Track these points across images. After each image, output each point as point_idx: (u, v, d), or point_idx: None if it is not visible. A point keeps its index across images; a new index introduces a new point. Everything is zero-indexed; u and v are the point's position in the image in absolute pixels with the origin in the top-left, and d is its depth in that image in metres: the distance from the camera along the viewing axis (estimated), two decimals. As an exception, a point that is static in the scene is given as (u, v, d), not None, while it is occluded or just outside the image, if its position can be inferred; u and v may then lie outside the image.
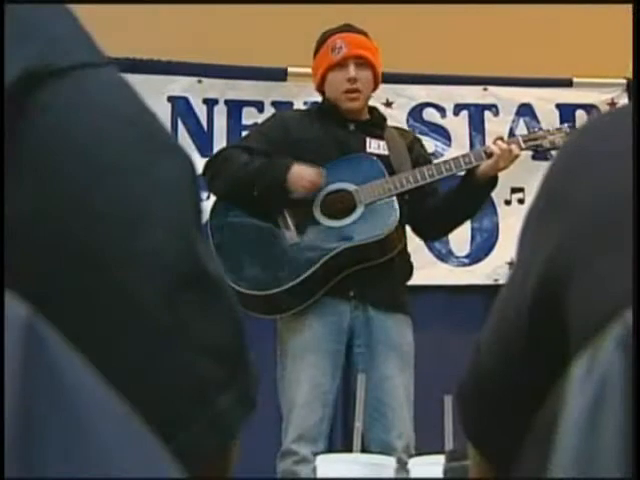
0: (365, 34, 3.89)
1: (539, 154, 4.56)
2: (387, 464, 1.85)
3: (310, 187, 3.68)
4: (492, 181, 3.79)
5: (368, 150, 3.83)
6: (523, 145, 3.83)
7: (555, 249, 0.96)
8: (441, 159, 4.33)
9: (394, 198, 3.72)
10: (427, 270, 4.97)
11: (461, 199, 3.83)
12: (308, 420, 3.64)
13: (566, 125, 4.16)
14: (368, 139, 3.86)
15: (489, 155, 3.72)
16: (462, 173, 3.81)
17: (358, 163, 3.81)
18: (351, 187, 3.75)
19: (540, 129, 4.16)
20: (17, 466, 0.48)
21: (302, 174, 3.66)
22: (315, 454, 3.52)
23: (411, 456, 2.19)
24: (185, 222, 0.80)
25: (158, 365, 0.77)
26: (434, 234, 4.18)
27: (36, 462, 0.49)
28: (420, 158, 3.91)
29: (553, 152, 3.95)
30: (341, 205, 3.74)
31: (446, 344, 4.63)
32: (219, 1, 4.85)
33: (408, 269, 3.88)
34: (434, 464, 1.72)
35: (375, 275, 3.70)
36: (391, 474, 1.85)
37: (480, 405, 1.10)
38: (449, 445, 1.83)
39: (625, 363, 0.62)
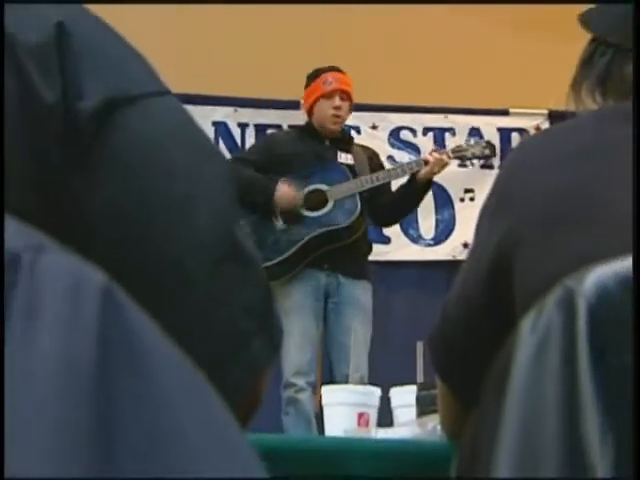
0: (343, 71, 3.92)
1: (486, 164, 4.58)
2: (374, 392, 1.84)
3: (288, 208, 3.70)
4: (428, 184, 3.80)
5: (339, 160, 3.85)
6: (451, 155, 3.85)
7: (504, 235, 0.94)
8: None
9: (357, 195, 3.74)
10: (403, 250, 5.00)
11: (405, 197, 3.85)
12: (302, 359, 3.66)
13: (483, 140, 4.22)
14: (339, 152, 3.87)
15: (426, 163, 3.73)
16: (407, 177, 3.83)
17: (331, 170, 3.82)
18: (324, 187, 3.77)
19: (464, 143, 4.19)
20: (92, 421, 0.45)
21: (283, 197, 3.69)
22: (308, 383, 3.59)
23: (391, 386, 2.18)
24: (225, 210, 0.78)
25: (206, 320, 0.75)
26: (386, 222, 4.17)
27: (111, 416, 0.46)
28: (377, 167, 3.93)
29: (474, 160, 4.04)
30: (317, 201, 3.75)
31: (417, 304, 4.61)
32: (250, 49, 4.84)
33: (368, 247, 3.89)
34: (409, 392, 1.71)
35: (343, 252, 3.72)
36: (377, 398, 1.83)
37: (446, 348, 1.08)
38: (420, 379, 1.82)
39: (562, 318, 0.61)
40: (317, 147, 3.85)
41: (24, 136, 0.69)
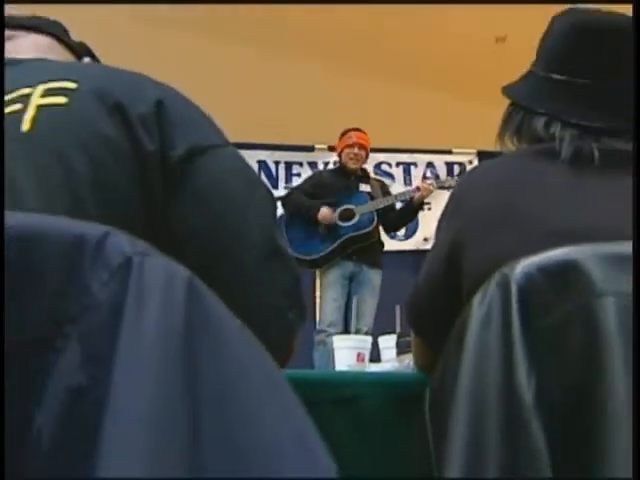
0: (364, 132, 4.00)
1: (439, 186, 4.60)
2: (368, 339, 1.81)
3: (326, 222, 3.75)
4: (420, 204, 3.87)
5: (361, 189, 3.92)
6: (436, 185, 3.89)
7: (455, 234, 0.91)
8: (393, 190, 4.29)
9: (374, 211, 3.81)
10: (386, 243, 5.01)
11: (405, 214, 3.92)
12: (332, 316, 3.71)
13: (455, 177, 4.27)
14: (360, 184, 3.93)
15: (419, 189, 3.79)
16: (406, 199, 3.90)
17: (356, 195, 3.88)
18: (352, 206, 3.84)
19: (439, 178, 4.27)
20: (181, 377, 0.43)
21: (323, 215, 3.75)
22: (335, 333, 3.61)
23: (379, 334, 2.15)
24: (268, 223, 0.77)
25: (258, 299, 0.74)
26: (393, 230, 4.18)
27: (193, 372, 0.44)
28: (387, 193, 3.99)
29: (448, 189, 4.07)
30: (347, 215, 3.80)
31: (395, 279, 4.55)
32: (281, 112, 4.83)
33: (381, 245, 3.93)
34: (391, 339, 1.69)
35: (366, 249, 3.77)
36: (370, 343, 1.81)
37: (418, 311, 1.04)
38: (398, 330, 1.80)
39: (500, 296, 0.59)
40: (346, 181, 3.94)
41: (135, 174, 0.68)
